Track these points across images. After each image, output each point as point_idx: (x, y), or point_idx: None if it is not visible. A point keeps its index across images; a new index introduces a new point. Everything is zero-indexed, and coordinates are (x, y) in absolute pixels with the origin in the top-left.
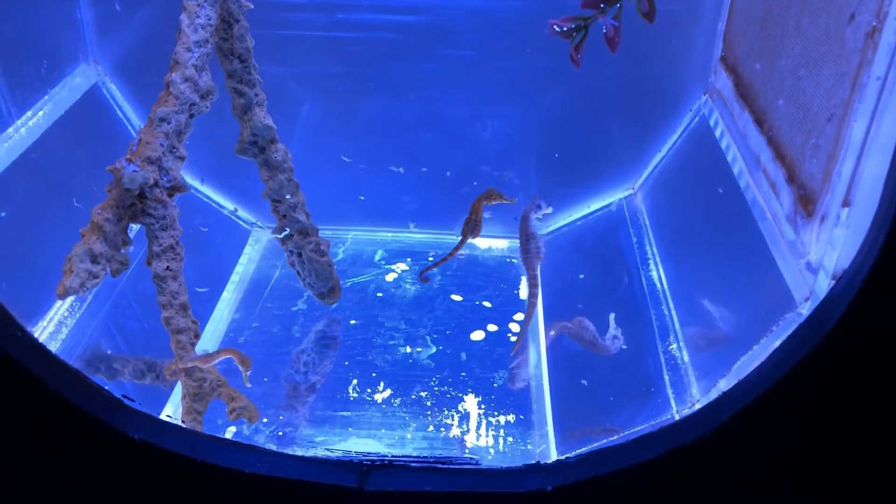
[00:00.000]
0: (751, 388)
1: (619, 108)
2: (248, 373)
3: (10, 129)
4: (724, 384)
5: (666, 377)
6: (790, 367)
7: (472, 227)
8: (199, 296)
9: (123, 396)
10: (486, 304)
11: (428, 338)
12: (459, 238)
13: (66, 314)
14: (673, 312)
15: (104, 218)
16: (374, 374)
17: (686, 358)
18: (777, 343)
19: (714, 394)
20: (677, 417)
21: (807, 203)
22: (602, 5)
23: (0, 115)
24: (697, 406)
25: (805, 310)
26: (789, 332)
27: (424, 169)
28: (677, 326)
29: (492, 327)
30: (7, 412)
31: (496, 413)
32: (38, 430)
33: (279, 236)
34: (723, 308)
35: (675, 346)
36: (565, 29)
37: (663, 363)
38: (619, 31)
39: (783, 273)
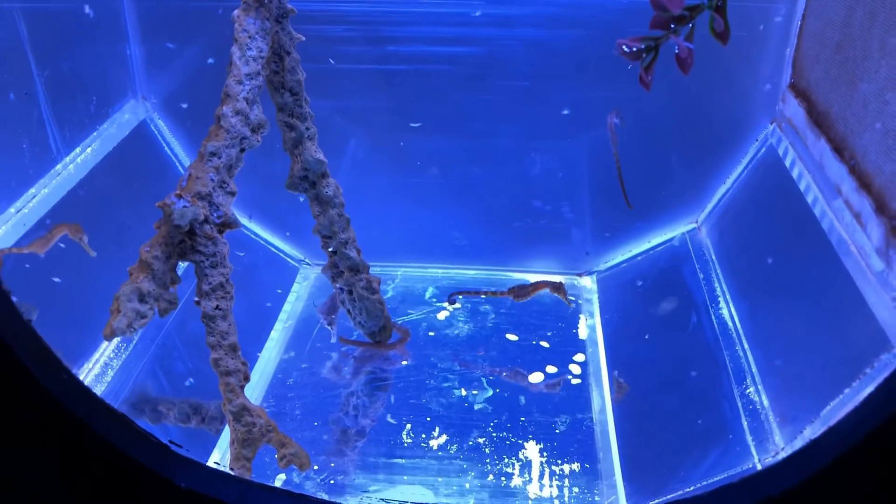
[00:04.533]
0: (844, 436)
1: (678, 138)
2: (86, 238)
3: (59, 167)
4: (810, 432)
5: (744, 423)
6: (889, 415)
7: (520, 294)
8: (248, 335)
9: (170, 442)
10: (544, 344)
11: (484, 380)
12: (506, 291)
13: (112, 355)
14: (749, 353)
15: (153, 255)
16: (428, 419)
17: (766, 402)
18: (871, 388)
19: (799, 442)
20: (759, 467)
21: None
22: (673, 25)
23: (49, 153)
24: (782, 455)
25: None
26: (886, 374)
27: (475, 203)
28: (754, 369)
29: (551, 369)
30: (50, 458)
31: (560, 461)
32: (81, 476)
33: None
34: (805, 348)
35: (752, 389)
36: (634, 49)
37: (741, 408)
38: (692, 53)
39: (874, 311)
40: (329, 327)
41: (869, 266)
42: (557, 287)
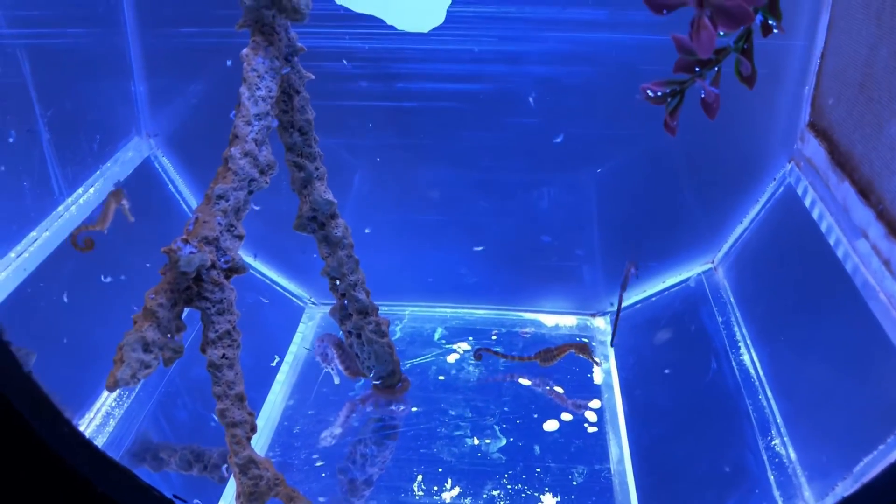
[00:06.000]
0: (881, 495)
1: (693, 175)
2: (127, 204)
3: (61, 207)
4: (842, 489)
5: (771, 476)
6: None
7: (546, 358)
8: (253, 378)
9: (175, 496)
10: (558, 388)
11: (497, 428)
12: (532, 355)
13: (113, 404)
14: (773, 403)
15: (158, 303)
16: (440, 470)
17: (793, 455)
18: None
19: (831, 500)
20: None
21: None
22: (698, 69)
23: (51, 194)
24: None
25: None
26: None
27: (484, 240)
28: (779, 419)
29: (566, 416)
30: None
31: None
32: None
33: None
34: (833, 399)
35: (777, 441)
36: (659, 94)
37: (766, 460)
38: (718, 98)
39: None
40: (331, 370)
41: None
42: (582, 348)
